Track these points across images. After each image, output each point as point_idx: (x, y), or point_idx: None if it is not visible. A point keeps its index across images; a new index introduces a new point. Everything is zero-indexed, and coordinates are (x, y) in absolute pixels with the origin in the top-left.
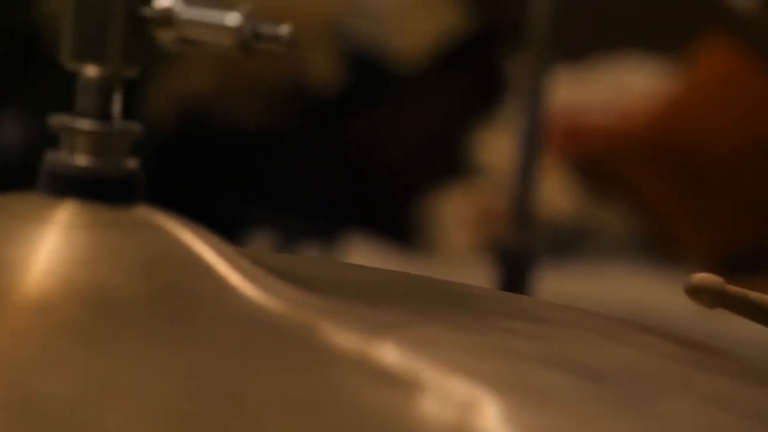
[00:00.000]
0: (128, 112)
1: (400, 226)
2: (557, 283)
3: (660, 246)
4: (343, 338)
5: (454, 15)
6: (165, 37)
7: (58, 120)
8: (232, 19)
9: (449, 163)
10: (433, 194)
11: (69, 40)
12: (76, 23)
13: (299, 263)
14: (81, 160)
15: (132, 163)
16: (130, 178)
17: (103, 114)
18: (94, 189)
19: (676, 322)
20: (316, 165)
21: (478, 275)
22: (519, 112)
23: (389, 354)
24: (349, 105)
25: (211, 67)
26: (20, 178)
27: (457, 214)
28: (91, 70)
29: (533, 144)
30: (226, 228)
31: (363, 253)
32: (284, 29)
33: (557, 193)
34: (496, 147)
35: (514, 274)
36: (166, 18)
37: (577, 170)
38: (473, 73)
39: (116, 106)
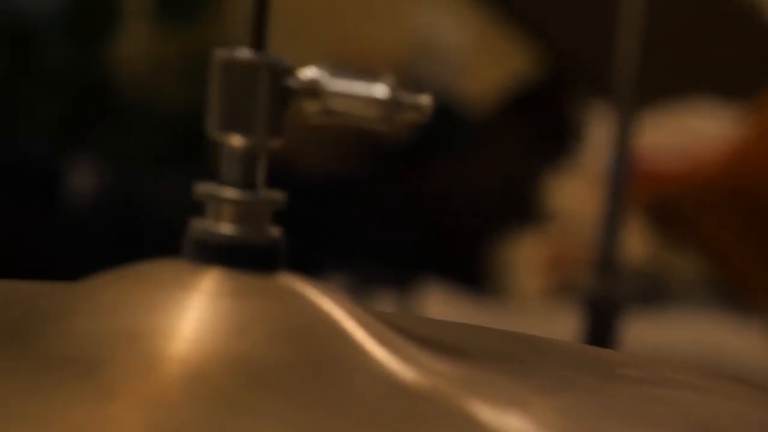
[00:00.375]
0: (202, 156)
1: (472, 272)
2: (639, 332)
3: (732, 292)
4: (482, 409)
5: (523, 59)
6: (310, 108)
7: (203, 188)
8: (381, 90)
9: (521, 208)
10: (505, 240)
11: (215, 110)
12: (222, 94)
13: (429, 326)
14: (225, 228)
15: (275, 231)
16: (273, 246)
17: (247, 183)
18: (238, 257)
19: (751, 367)
20: (389, 211)
21: (553, 322)
22: (599, 158)
23: (529, 426)
24: (420, 151)
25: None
26: (93, 224)
27: (529, 260)
28: (236, 140)
29: (618, 190)
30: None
31: (437, 300)
32: (425, 99)
33: (632, 239)
34: (568, 192)
35: (601, 323)
36: (312, 89)
37: (649, 215)
38: (544, 118)
39: (260, 175)
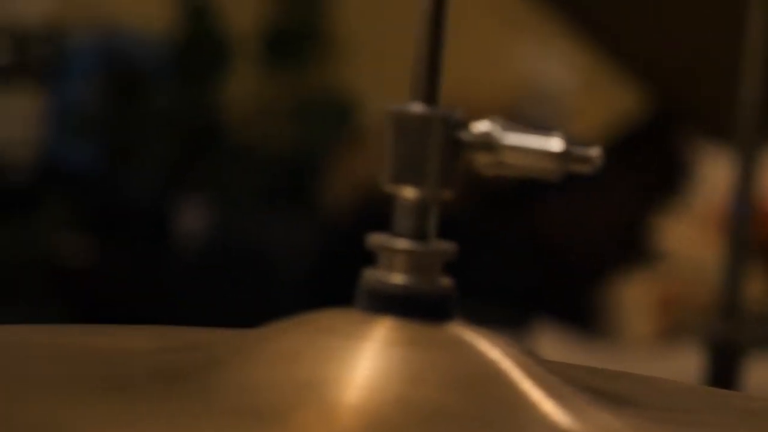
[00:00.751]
0: (309, 197)
1: (584, 313)
2: (761, 374)
3: None
4: None
5: (631, 99)
6: (483, 161)
7: (375, 239)
8: (556, 144)
9: (632, 249)
10: (616, 281)
11: (388, 162)
12: (395, 147)
13: (592, 375)
14: (397, 278)
15: (446, 281)
16: (444, 296)
17: (419, 234)
18: (410, 306)
19: None
20: (499, 251)
21: (666, 363)
22: (710, 198)
23: None
24: (529, 191)
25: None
26: (202, 263)
27: (640, 301)
28: (408, 192)
29: (741, 231)
30: None
31: (549, 341)
32: (595, 151)
33: (752, 280)
34: (679, 232)
35: (725, 365)
36: (486, 143)
37: (759, 255)
38: (653, 158)
39: (432, 226)
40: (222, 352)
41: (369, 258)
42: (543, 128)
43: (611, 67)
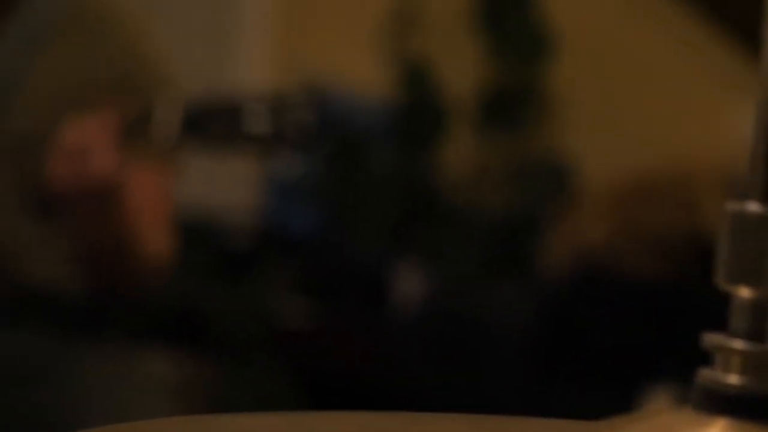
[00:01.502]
0: (526, 262)
1: None
2: None
3: None
4: None
5: None
6: None
7: (711, 339)
8: None
9: None
10: None
11: (724, 261)
12: (731, 245)
13: None
14: (734, 379)
15: None
16: None
17: (755, 334)
18: (747, 408)
19: None
20: (717, 318)
21: None
22: None
23: None
24: None
25: (607, 216)
26: (421, 326)
27: None
28: (744, 292)
29: None
30: (624, 380)
31: None
32: None
33: None
34: None
35: None
36: None
37: None
38: None
39: None
40: None
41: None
42: None
43: None
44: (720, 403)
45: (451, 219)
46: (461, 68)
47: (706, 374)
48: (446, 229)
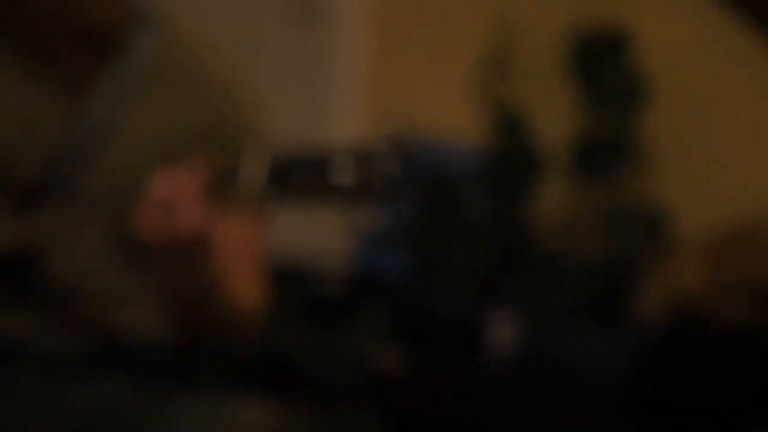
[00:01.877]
0: (620, 311)
1: None
2: None
3: None
4: None
5: None
6: None
7: None
8: None
9: None
10: None
11: None
12: None
13: None
14: None
15: None
16: None
17: None
18: None
19: None
20: None
21: None
22: None
23: None
24: None
25: (704, 264)
26: (513, 375)
27: None
28: None
29: None
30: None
31: None
32: None
33: None
34: None
35: None
36: None
37: None
38: None
39: None
40: None
41: (681, 368)
42: None
43: None
44: None
45: (544, 266)
46: (554, 114)
47: None
48: (539, 277)
